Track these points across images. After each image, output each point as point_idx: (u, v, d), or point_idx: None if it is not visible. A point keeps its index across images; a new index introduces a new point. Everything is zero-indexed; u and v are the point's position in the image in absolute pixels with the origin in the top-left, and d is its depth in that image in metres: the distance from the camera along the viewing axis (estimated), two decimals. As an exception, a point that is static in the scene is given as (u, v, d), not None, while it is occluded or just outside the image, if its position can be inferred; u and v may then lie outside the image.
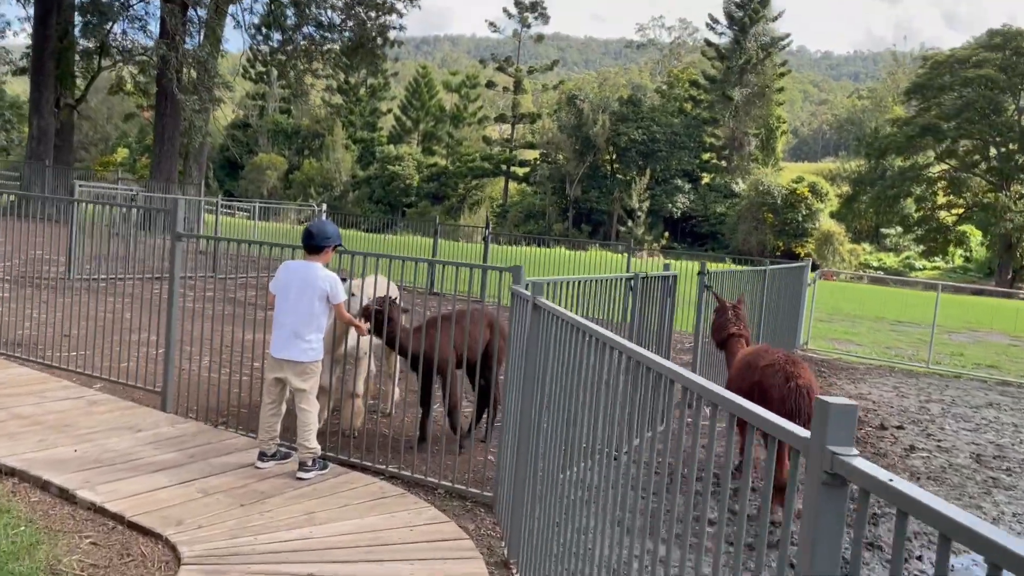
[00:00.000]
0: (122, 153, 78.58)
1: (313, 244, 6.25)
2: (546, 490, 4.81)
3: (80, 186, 17.34)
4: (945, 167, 62.60)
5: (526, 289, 5.71)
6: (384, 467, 6.49)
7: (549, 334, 4.82)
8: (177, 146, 32.92)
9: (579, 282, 6.77)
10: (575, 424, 4.32)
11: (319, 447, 6.18)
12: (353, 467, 6.51)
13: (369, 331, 6.63)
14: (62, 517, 5.22)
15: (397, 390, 8.25)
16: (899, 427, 10.00)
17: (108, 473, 5.82)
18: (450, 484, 6.24)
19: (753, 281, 11.67)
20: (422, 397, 7.13)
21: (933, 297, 32.62)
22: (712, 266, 9.97)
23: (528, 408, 5.14)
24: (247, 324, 8.91)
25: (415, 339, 6.84)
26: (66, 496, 5.47)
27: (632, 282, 7.64)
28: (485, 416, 7.65)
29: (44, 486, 5.60)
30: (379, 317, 6.61)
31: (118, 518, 5.17)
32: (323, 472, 6.17)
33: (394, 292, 7.22)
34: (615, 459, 3.97)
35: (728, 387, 7.51)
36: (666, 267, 8.58)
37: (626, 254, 20.76)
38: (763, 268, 12.20)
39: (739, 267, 13.06)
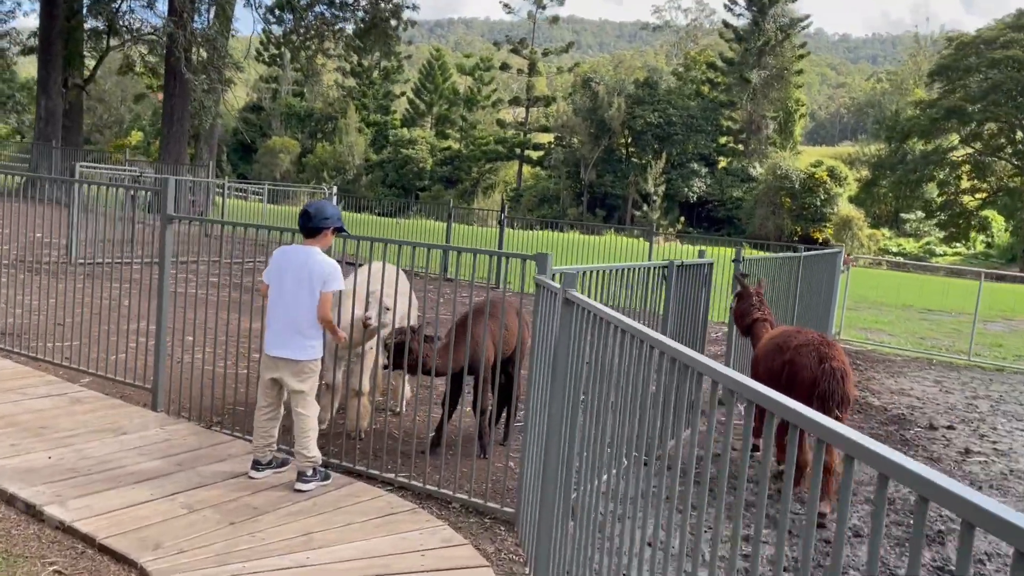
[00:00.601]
0: (136, 136, 78.03)
1: (311, 226, 5.53)
2: (579, 506, 4.16)
3: (81, 166, 16.72)
4: (969, 151, 61.31)
5: (554, 279, 5.03)
6: (393, 476, 5.83)
7: (584, 333, 4.14)
8: (187, 127, 32.29)
9: (610, 271, 6.07)
10: (614, 434, 3.68)
11: (320, 455, 5.52)
12: (359, 476, 5.85)
13: (388, 363, 5.96)
14: (26, 538, 4.59)
15: (408, 387, 7.59)
16: (949, 427, 9.28)
17: (83, 485, 5.18)
18: (466, 497, 5.57)
19: (788, 268, 10.96)
20: (447, 397, 6.46)
21: (960, 284, 31.77)
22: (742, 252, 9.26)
23: (557, 414, 4.47)
24: (249, 312, 8.26)
25: (443, 359, 6.13)
26: (33, 513, 4.84)
27: (666, 270, 6.94)
28: (504, 415, 7.01)
29: (10, 500, 4.97)
30: (399, 351, 5.95)
31: (88, 540, 4.53)
32: (325, 483, 5.51)
33: (403, 283, 6.52)
34: (645, 464, 3.38)
35: (755, 367, 7.01)
36: (701, 253, 7.88)
37: (645, 239, 20.02)
38: (798, 255, 11.47)
39: (774, 254, 12.35)
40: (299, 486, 5.38)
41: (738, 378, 2.59)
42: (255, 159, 77.19)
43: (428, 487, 5.70)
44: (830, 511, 6.12)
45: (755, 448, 7.05)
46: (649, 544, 4.64)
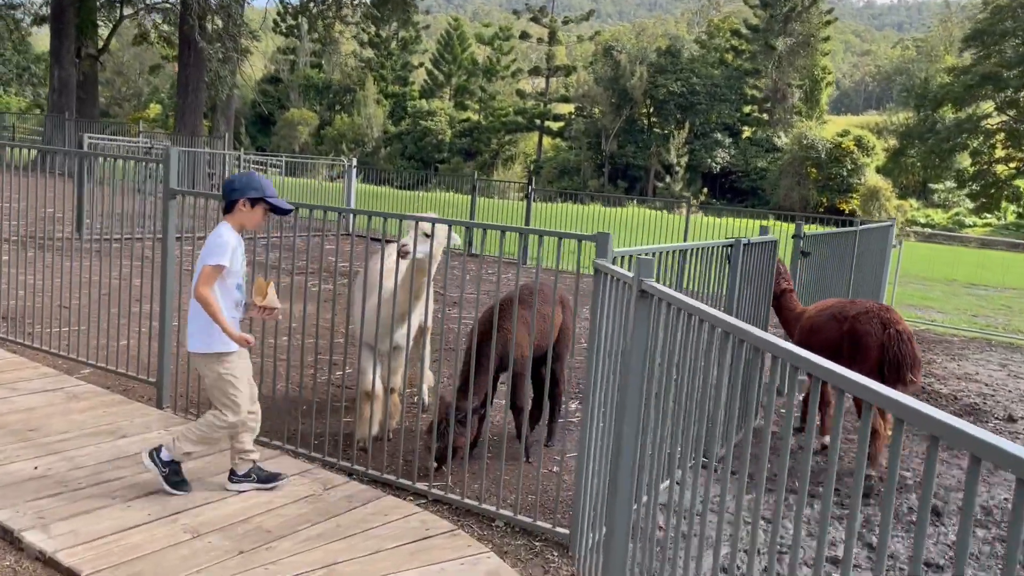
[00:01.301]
0: (155, 109, 77.41)
1: (225, 201, 4.75)
2: (660, 525, 3.45)
3: (89, 138, 16.02)
4: (1004, 118, 59.55)
5: (622, 265, 4.27)
6: (426, 488, 5.11)
7: (669, 333, 3.38)
8: (202, 98, 31.54)
9: (671, 252, 5.29)
10: (697, 446, 2.96)
11: (184, 450, 4.67)
12: (387, 486, 5.14)
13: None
14: (0, 572, 3.91)
15: (430, 374, 6.78)
16: (1030, 419, 8.47)
17: (72, 502, 4.48)
18: (511, 514, 4.83)
19: (845, 243, 10.17)
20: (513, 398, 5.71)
21: (999, 256, 30.66)
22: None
23: (632, 421, 3.73)
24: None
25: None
26: (10, 539, 4.15)
27: (731, 250, 6.15)
28: (547, 414, 6.27)
29: (-15, 523, 4.29)
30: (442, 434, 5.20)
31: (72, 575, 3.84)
32: (161, 481, 4.64)
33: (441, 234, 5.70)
34: (714, 469, 2.72)
35: (805, 339, 6.71)
36: (763, 230, 7.08)
37: (668, 211, 19.15)
38: (855, 229, 10.66)
39: (832, 228, 11.55)
40: (158, 476, 4.66)
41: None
42: (274, 131, 76.51)
43: (467, 501, 4.96)
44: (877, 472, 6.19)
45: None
46: (724, 571, 3.92)
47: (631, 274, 3.67)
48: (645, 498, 3.89)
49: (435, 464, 5.23)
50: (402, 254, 5.33)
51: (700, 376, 3.25)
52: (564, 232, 4.61)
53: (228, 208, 4.72)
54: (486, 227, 5.13)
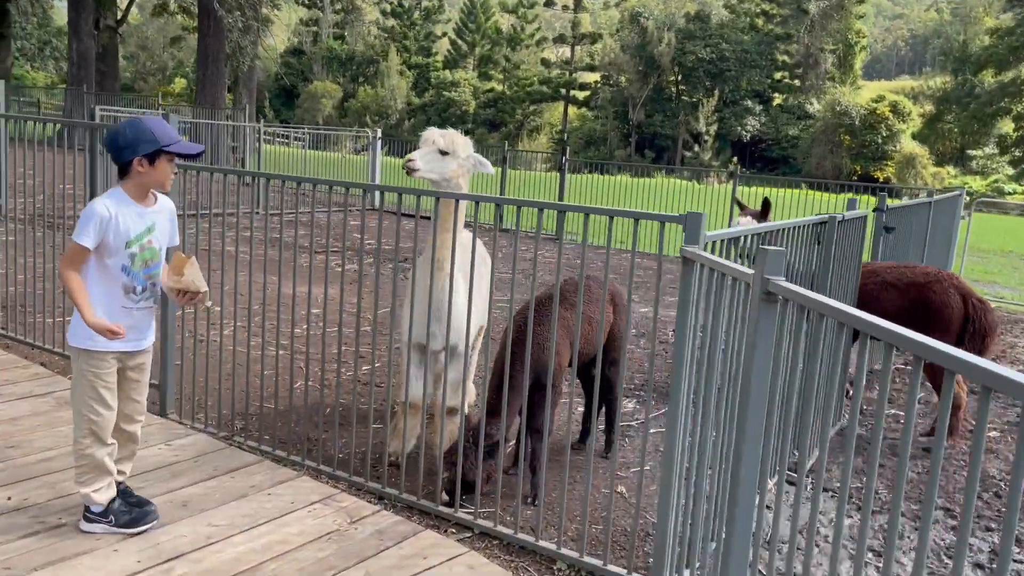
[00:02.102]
0: (180, 83, 76.81)
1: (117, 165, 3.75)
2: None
3: (101, 111, 15.29)
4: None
5: (712, 251, 3.40)
6: (471, 518, 4.28)
7: (822, 349, 2.52)
8: (223, 70, 30.72)
9: (762, 233, 4.39)
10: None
11: (91, 492, 3.80)
12: (424, 515, 4.32)
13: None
14: (-53, 646, 3.14)
15: (473, 388, 5.86)
16: None
17: (47, 545, 3.69)
18: (575, 555, 3.98)
19: (919, 214, 9.24)
20: (531, 417, 4.73)
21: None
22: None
23: (751, 447, 2.90)
24: (293, 272, 6.71)
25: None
26: (-35, 598, 3.38)
27: (821, 229, 5.24)
28: (604, 423, 5.40)
29: (-62, 575, 3.52)
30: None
31: (34, 654, 3.06)
32: (117, 530, 3.83)
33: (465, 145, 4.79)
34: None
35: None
36: (851, 204, 6.13)
37: (698, 181, 18.13)
38: (928, 200, 9.72)
39: (911, 200, 10.62)
40: (109, 530, 3.83)
41: None
42: (297, 104, 75.87)
43: (521, 536, 4.12)
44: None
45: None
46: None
47: (750, 271, 2.79)
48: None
49: (462, 496, 4.38)
50: (407, 171, 4.55)
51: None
52: (642, 212, 3.73)
53: (121, 172, 3.75)
54: (543, 206, 4.25)
